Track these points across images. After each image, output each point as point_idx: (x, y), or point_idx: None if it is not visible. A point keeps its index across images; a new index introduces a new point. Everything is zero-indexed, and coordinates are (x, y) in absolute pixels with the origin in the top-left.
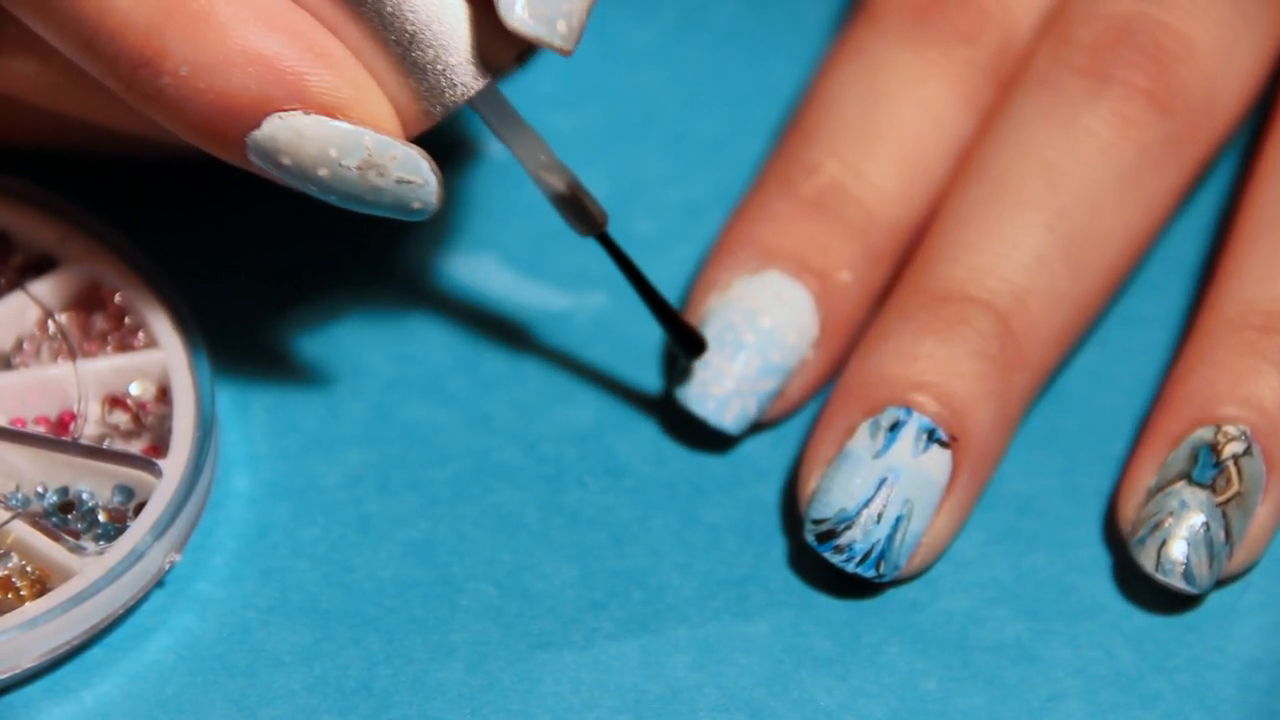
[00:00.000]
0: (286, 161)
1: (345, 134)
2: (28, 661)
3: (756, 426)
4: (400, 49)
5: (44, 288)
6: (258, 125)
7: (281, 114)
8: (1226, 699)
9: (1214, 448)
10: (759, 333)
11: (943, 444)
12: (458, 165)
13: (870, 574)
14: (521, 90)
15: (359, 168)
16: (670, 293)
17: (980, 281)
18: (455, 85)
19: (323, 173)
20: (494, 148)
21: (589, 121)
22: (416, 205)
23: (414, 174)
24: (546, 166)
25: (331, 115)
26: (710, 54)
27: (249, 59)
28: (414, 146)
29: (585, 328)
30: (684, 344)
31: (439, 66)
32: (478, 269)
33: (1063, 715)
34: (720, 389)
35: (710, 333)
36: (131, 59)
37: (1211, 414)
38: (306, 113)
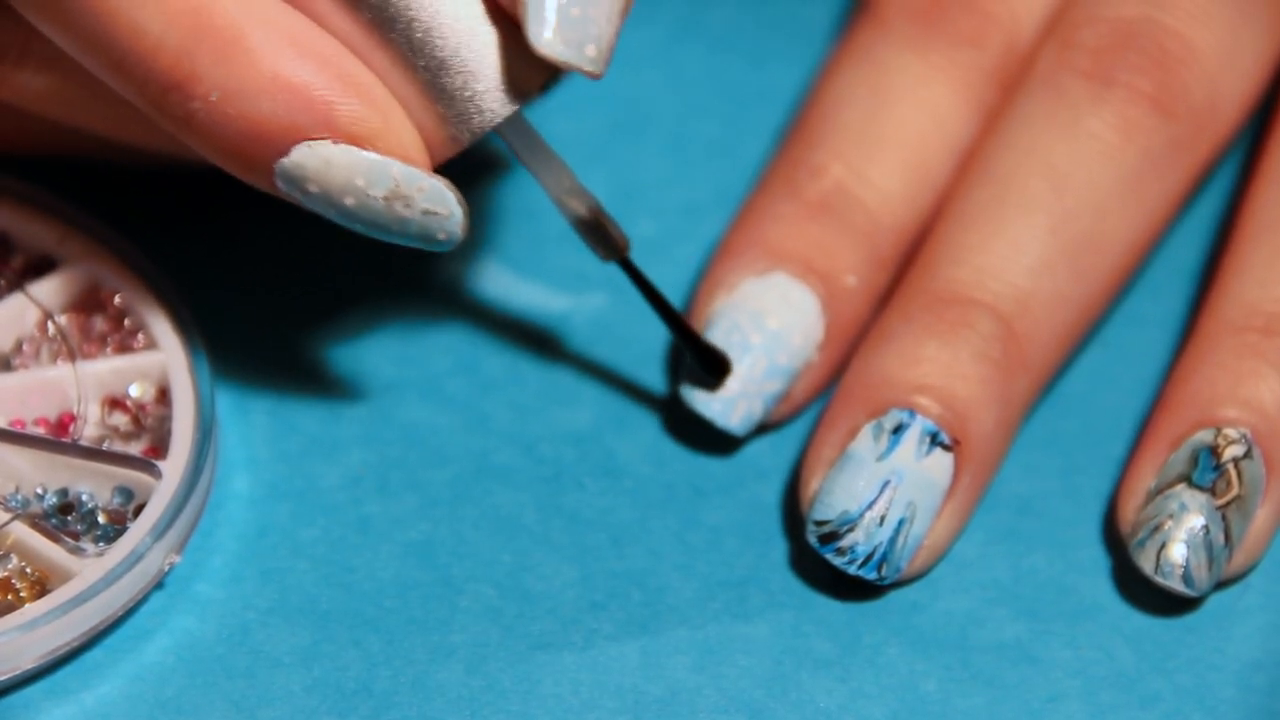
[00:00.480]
0: (314, 189)
1: (373, 164)
2: (28, 663)
3: (758, 428)
4: (429, 75)
5: (44, 289)
6: (286, 153)
7: (310, 142)
8: (1226, 700)
9: (1214, 450)
10: (766, 334)
11: (945, 447)
12: (455, 168)
13: (872, 576)
14: None
15: (385, 198)
16: (673, 294)
17: (983, 284)
18: (483, 111)
19: (349, 201)
20: (492, 150)
21: (589, 124)
22: (441, 236)
23: (440, 205)
24: (570, 192)
25: (360, 145)
26: (709, 56)
27: (279, 86)
28: (441, 178)
29: (584, 329)
30: (708, 366)
31: (467, 93)
32: (477, 270)
33: (1062, 716)
34: (726, 391)
35: (716, 334)
36: (162, 82)
37: (1212, 416)
38: (335, 142)
